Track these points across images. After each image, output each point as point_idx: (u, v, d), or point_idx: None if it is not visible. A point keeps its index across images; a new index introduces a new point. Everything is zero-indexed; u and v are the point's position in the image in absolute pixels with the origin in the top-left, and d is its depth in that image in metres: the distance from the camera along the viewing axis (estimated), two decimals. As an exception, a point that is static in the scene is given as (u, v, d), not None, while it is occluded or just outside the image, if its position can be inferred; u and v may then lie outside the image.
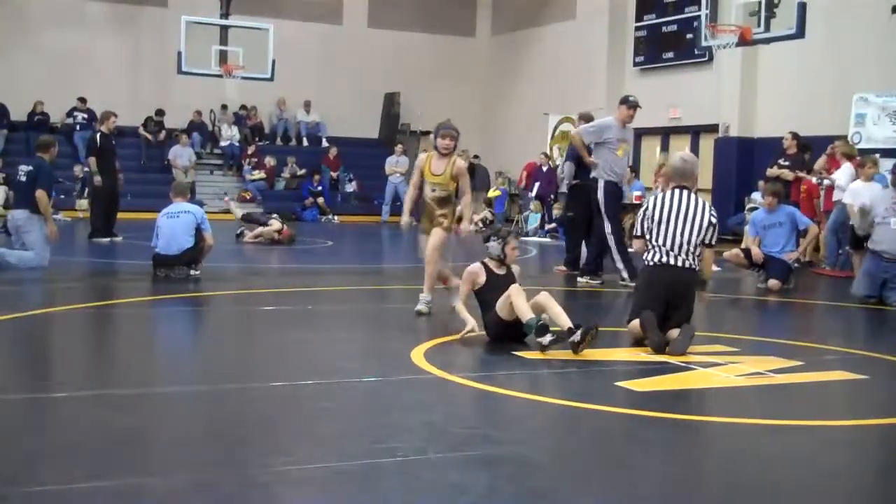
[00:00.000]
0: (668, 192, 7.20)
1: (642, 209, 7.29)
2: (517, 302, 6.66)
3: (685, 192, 7.13)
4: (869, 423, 5.12)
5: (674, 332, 6.70)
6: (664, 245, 7.00)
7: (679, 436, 4.80)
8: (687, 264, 6.99)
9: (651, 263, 7.06)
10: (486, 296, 7.03)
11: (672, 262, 6.98)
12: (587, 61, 22.08)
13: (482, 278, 7.10)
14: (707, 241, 7.07)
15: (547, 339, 6.46)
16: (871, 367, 6.56)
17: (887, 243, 9.74)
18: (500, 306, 6.80)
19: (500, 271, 7.15)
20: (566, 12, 23.38)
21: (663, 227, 7.03)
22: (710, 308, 10.09)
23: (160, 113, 23.52)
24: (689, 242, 6.98)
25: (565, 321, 6.57)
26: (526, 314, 6.61)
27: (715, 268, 12.64)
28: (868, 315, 9.53)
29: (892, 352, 7.15)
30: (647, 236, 7.13)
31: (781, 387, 5.87)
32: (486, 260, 7.19)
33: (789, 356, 6.74)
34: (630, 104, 10.76)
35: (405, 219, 8.39)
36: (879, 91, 15.84)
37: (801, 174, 14.11)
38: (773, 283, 10.63)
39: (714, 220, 7.07)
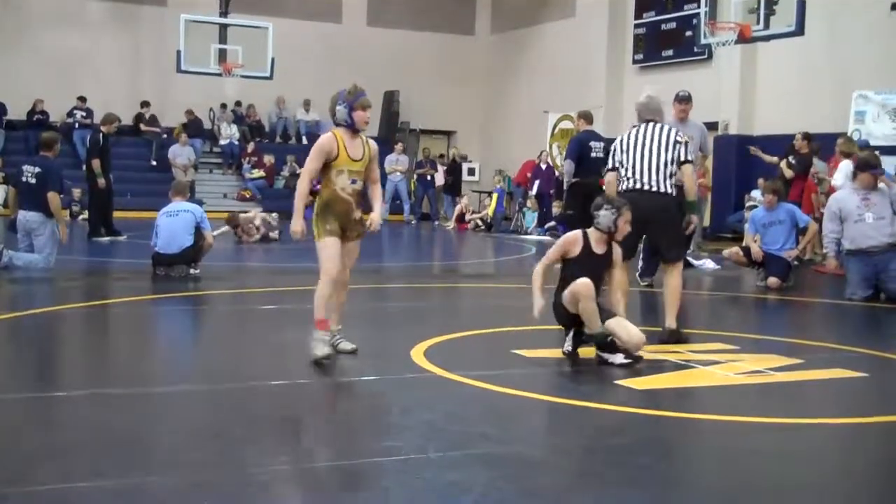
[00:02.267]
0: (636, 127, 7.28)
1: (613, 145, 7.36)
2: (587, 307, 6.07)
3: (650, 124, 7.19)
4: (869, 420, 5.12)
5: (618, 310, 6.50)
6: (635, 173, 7.04)
7: (679, 434, 4.80)
8: (662, 188, 6.99)
9: (622, 189, 7.09)
10: (573, 270, 6.28)
11: (644, 187, 7.00)
12: (587, 59, 22.09)
13: (577, 249, 6.36)
14: (680, 159, 7.04)
15: (619, 358, 6.07)
16: (871, 365, 6.55)
17: (871, 238, 9.76)
18: (569, 297, 6.18)
19: (600, 250, 6.37)
20: (566, 10, 23.38)
21: (632, 155, 7.09)
22: (709, 306, 10.11)
23: (145, 104, 23.54)
24: (659, 165, 6.99)
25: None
26: (594, 323, 6.10)
27: (714, 265, 12.66)
28: (868, 312, 9.52)
29: (892, 349, 7.15)
30: (619, 168, 7.18)
31: (781, 385, 5.86)
32: (590, 231, 6.43)
33: (789, 354, 6.74)
34: (677, 98, 10.76)
35: (299, 226, 6.24)
36: (879, 88, 15.85)
37: (804, 172, 14.07)
38: (773, 280, 10.63)
39: (680, 139, 7.08)
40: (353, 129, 6.24)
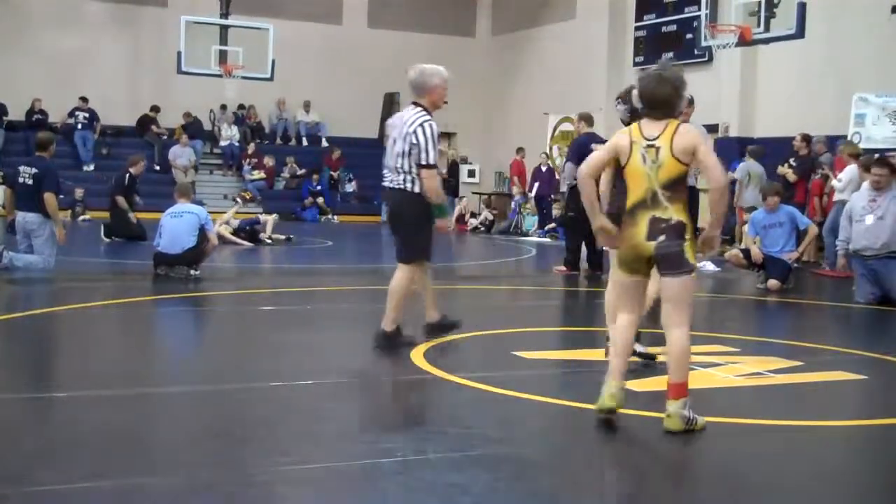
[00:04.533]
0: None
1: None
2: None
3: (409, 109, 6.51)
4: (868, 423, 5.13)
5: None
6: (384, 166, 6.62)
7: (679, 436, 4.80)
8: (396, 184, 6.41)
9: None
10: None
11: (385, 182, 6.57)
12: (587, 61, 22.10)
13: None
14: (419, 162, 6.26)
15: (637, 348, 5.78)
16: (871, 368, 6.55)
17: (864, 240, 9.77)
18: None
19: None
20: (566, 12, 23.39)
21: (387, 147, 6.59)
22: (709, 308, 10.11)
23: (155, 109, 23.60)
24: (395, 161, 6.39)
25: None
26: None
27: (714, 268, 12.66)
28: (867, 315, 9.53)
29: (892, 352, 7.15)
30: None
31: (781, 387, 5.87)
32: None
33: (789, 356, 6.74)
34: (689, 101, 10.64)
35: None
36: (879, 91, 15.85)
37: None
38: (773, 283, 10.63)
39: (418, 136, 6.22)
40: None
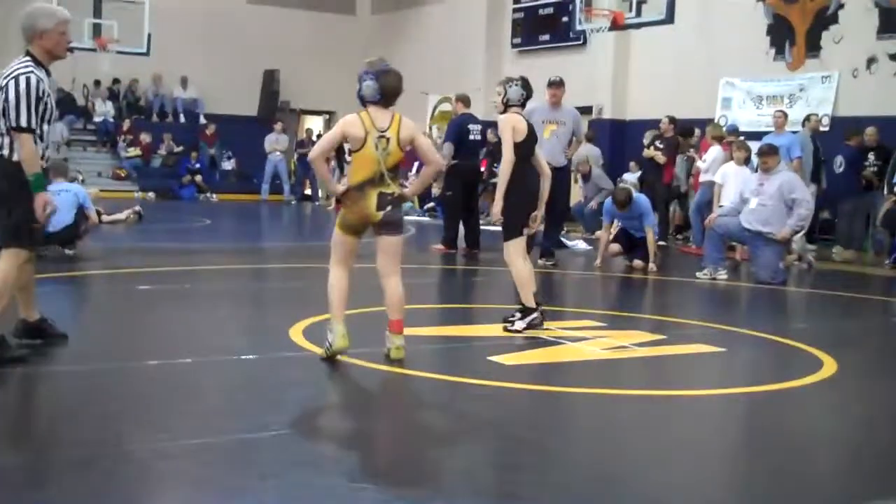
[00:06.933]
0: None
1: None
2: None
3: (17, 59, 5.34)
4: (724, 391, 5.45)
5: None
6: None
7: (546, 406, 5.03)
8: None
9: None
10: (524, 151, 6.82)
11: None
12: (466, 42, 22.31)
13: (522, 126, 6.85)
14: (10, 123, 5.14)
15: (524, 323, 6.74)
16: (729, 340, 6.94)
17: (745, 221, 10.27)
18: None
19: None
20: (446, -8, 23.56)
21: None
22: (580, 285, 10.46)
23: None
24: None
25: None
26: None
27: (586, 246, 13.06)
28: (727, 290, 10.02)
29: (749, 325, 7.56)
30: None
31: (645, 359, 6.18)
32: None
33: (653, 330, 7.09)
34: (548, 83, 10.93)
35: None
36: (745, 76, 16.52)
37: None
38: (639, 262, 11.05)
39: (9, 91, 5.13)
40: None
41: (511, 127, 6.75)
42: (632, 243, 11.23)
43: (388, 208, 5.53)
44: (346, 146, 5.66)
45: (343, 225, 5.62)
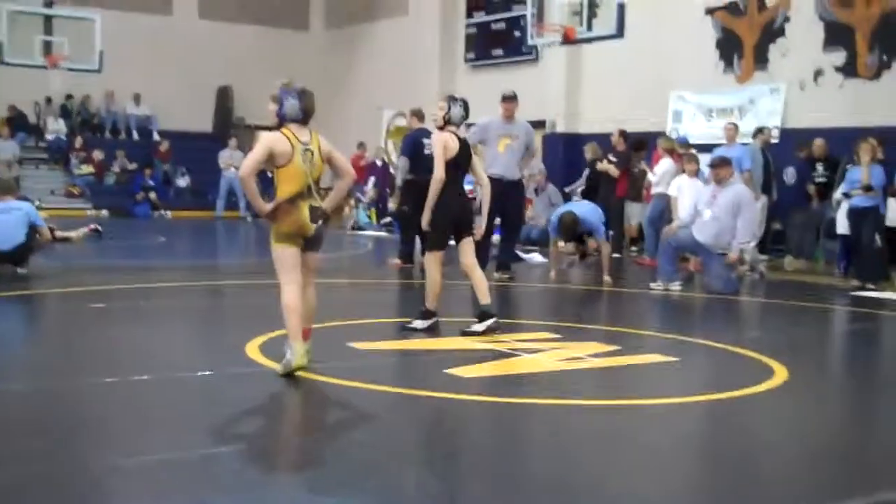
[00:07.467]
0: None
1: None
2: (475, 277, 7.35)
3: None
4: (678, 401, 5.53)
5: None
6: None
7: (502, 417, 5.08)
8: None
9: None
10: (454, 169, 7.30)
11: None
12: (420, 57, 22.39)
13: (453, 144, 7.30)
14: None
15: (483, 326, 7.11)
16: (683, 350, 7.04)
17: (699, 233, 10.43)
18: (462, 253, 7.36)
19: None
20: (399, 8, 23.63)
21: None
22: (537, 297, 10.53)
23: None
24: None
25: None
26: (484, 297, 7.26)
27: (542, 259, 13.15)
28: (681, 301, 10.15)
29: (702, 335, 7.67)
30: None
31: (600, 370, 6.25)
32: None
33: (608, 341, 7.17)
34: (502, 97, 11.10)
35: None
36: (695, 89, 16.73)
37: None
38: (592, 241, 11.40)
39: None
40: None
41: (443, 145, 7.22)
42: (581, 239, 11.56)
43: (319, 222, 5.73)
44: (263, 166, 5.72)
45: (280, 235, 5.71)
